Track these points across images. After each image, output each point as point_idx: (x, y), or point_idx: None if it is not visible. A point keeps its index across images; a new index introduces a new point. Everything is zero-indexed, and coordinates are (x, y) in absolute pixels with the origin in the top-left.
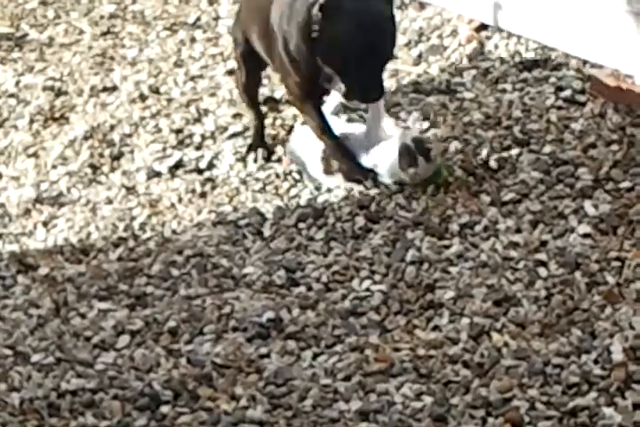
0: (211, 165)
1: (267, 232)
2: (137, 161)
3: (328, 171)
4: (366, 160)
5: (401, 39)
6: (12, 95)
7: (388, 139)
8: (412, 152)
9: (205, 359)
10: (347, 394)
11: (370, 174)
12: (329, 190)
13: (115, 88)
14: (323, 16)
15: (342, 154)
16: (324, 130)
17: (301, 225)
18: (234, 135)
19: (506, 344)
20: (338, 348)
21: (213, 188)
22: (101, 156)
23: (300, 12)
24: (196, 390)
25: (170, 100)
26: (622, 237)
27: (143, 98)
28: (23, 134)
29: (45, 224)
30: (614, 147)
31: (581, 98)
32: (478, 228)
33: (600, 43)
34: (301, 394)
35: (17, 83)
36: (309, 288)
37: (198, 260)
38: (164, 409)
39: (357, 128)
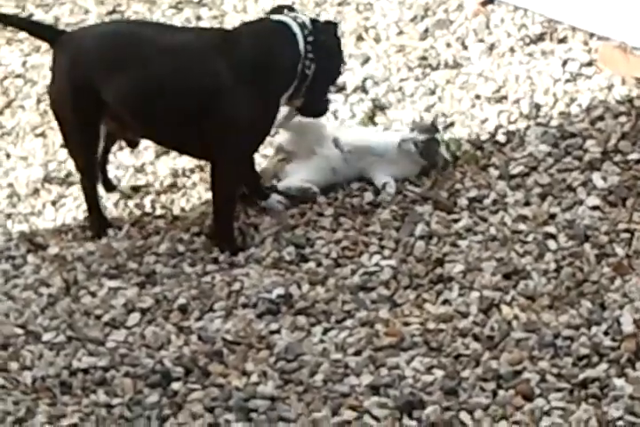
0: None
1: (276, 209)
2: (144, 140)
3: None
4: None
5: (407, 14)
6: (18, 75)
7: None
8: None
9: (216, 336)
10: (357, 369)
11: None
12: None
13: None
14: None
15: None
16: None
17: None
18: None
19: (516, 317)
20: (348, 323)
21: None
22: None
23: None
24: (206, 366)
25: None
26: (631, 208)
27: None
28: (31, 114)
29: (54, 204)
30: (622, 119)
31: (588, 71)
32: (487, 201)
33: (606, 15)
34: (312, 369)
35: (24, 63)
36: (319, 264)
37: (206, 236)
38: (176, 386)
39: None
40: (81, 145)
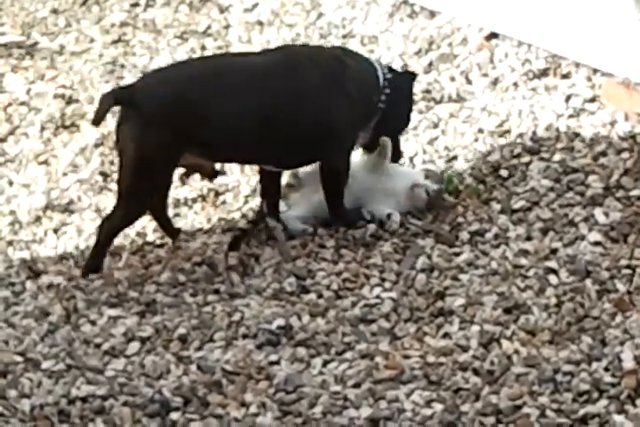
0: (221, 172)
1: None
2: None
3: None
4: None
5: (411, 47)
6: (23, 103)
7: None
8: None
9: (215, 366)
10: (357, 401)
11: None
12: None
13: None
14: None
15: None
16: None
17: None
18: None
19: (516, 352)
20: (348, 355)
21: (223, 195)
22: (112, 163)
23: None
24: (206, 396)
25: None
26: (633, 244)
27: None
28: (34, 142)
29: (56, 231)
30: (625, 155)
31: (591, 106)
32: (489, 235)
33: (610, 51)
34: (311, 401)
35: (28, 91)
36: (320, 295)
37: (208, 267)
38: (174, 416)
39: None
40: (156, 188)
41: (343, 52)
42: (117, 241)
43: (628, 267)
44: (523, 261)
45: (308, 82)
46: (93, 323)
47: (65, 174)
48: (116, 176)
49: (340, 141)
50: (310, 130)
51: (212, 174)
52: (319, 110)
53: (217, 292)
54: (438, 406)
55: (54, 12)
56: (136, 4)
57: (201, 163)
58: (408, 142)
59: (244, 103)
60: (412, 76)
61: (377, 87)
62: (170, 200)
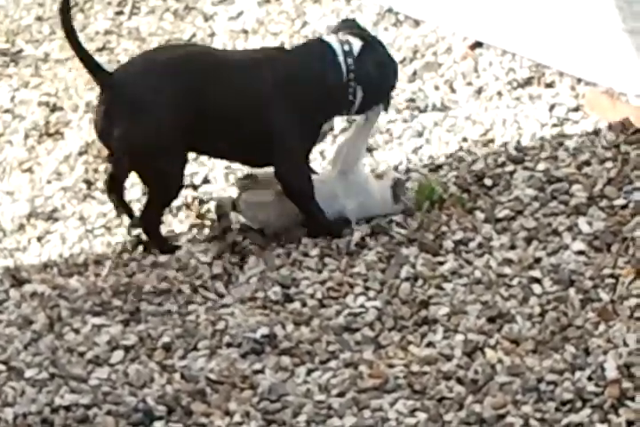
0: (205, 181)
1: (261, 248)
2: (132, 177)
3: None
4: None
5: (396, 56)
6: (7, 111)
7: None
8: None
9: (199, 375)
10: (341, 410)
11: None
12: None
13: None
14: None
15: (320, 210)
16: (310, 186)
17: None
18: None
19: (500, 361)
20: (332, 364)
21: (207, 203)
22: (96, 171)
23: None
24: (189, 405)
25: None
26: (616, 254)
27: None
28: (18, 149)
29: (39, 239)
30: (608, 164)
31: (575, 116)
32: (472, 244)
33: (594, 61)
34: (295, 410)
35: (12, 98)
36: (304, 304)
37: (192, 275)
38: (158, 425)
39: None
40: (178, 176)
41: (291, 50)
42: (100, 250)
43: (611, 276)
44: (506, 270)
45: (251, 86)
46: (77, 331)
47: (49, 182)
48: (100, 184)
49: (287, 149)
50: (251, 134)
51: None
52: (258, 116)
53: (200, 300)
54: (422, 416)
55: (39, 19)
56: (120, 13)
57: None
58: (392, 151)
59: (201, 96)
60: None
61: (339, 80)
62: None
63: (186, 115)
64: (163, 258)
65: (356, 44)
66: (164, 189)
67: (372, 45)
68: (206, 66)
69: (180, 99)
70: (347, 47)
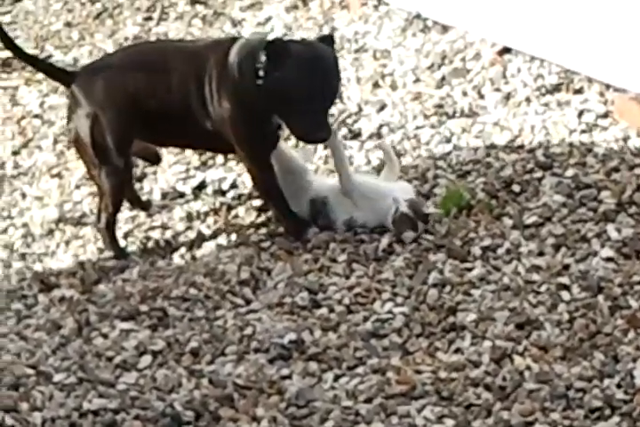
0: (233, 186)
1: (289, 253)
2: (160, 182)
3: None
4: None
5: (424, 62)
6: (36, 116)
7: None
8: (411, 218)
9: (227, 380)
10: (368, 416)
11: (308, 229)
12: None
13: None
14: (270, 61)
15: (284, 211)
16: (272, 183)
17: (324, 247)
18: None
19: (528, 368)
20: (359, 370)
21: (235, 209)
22: None
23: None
24: (217, 411)
25: None
26: None
27: None
28: (47, 155)
29: (68, 244)
30: (637, 171)
31: (604, 122)
32: (500, 251)
33: (623, 67)
34: (323, 416)
35: (41, 104)
36: (331, 310)
37: (220, 281)
38: None
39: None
40: (119, 173)
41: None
42: (131, 254)
43: None
44: (535, 276)
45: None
46: (105, 336)
47: (78, 187)
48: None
49: (236, 135)
50: (202, 121)
51: (155, 159)
52: (200, 107)
53: (229, 305)
54: (450, 422)
55: (68, 25)
56: (149, 18)
57: (144, 147)
58: (420, 158)
59: (161, 88)
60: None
61: (253, 70)
62: (182, 213)
63: (136, 111)
64: (192, 263)
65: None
66: (111, 185)
67: (297, 42)
68: (155, 61)
69: (129, 95)
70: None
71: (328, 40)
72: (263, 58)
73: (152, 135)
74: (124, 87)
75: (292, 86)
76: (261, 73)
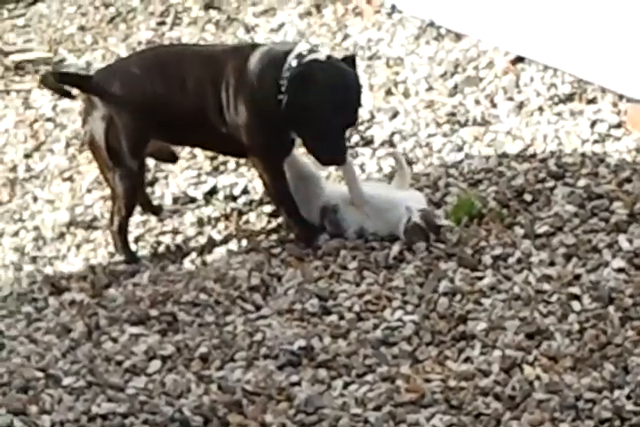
0: (245, 192)
1: (299, 260)
2: (171, 187)
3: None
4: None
5: (437, 70)
6: (49, 119)
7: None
8: (423, 229)
9: (236, 386)
10: (377, 424)
11: (319, 235)
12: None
13: None
14: (294, 86)
15: (295, 217)
16: (283, 190)
17: (335, 254)
18: None
19: (538, 378)
20: (369, 377)
21: (247, 214)
22: None
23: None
24: (226, 416)
25: None
26: None
27: None
28: (59, 158)
29: (79, 248)
30: None
31: (617, 132)
32: (511, 260)
33: (636, 77)
34: (332, 423)
35: (54, 107)
36: (341, 317)
37: (230, 286)
38: None
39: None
40: (133, 176)
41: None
42: (142, 259)
43: None
44: (545, 286)
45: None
46: (115, 340)
47: (89, 191)
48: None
49: (250, 141)
50: (217, 125)
51: (172, 158)
52: (217, 109)
53: (238, 311)
54: None
55: (81, 29)
56: (162, 23)
57: (160, 147)
58: (432, 166)
59: (177, 91)
60: (337, 60)
61: (275, 81)
62: (193, 219)
63: (151, 113)
64: (203, 269)
65: (311, 56)
66: (125, 188)
67: (325, 63)
68: (171, 65)
69: (144, 98)
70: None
71: (350, 61)
72: (287, 73)
73: (166, 137)
74: (140, 90)
75: (314, 111)
76: (284, 89)
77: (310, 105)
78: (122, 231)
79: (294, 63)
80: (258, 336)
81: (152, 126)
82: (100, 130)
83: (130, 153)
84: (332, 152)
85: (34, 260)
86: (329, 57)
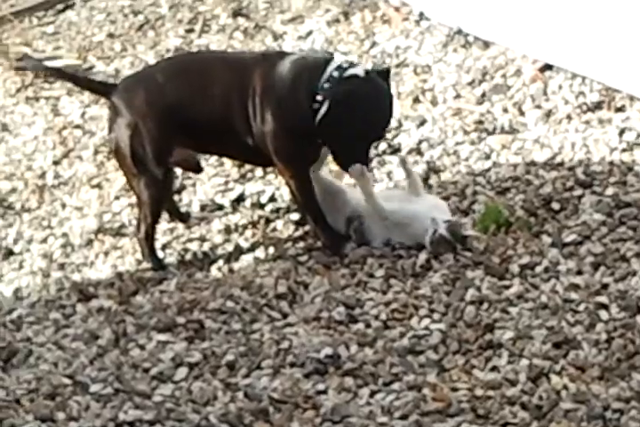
0: (272, 199)
1: (326, 267)
2: (199, 194)
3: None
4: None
5: (465, 78)
6: (77, 126)
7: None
8: (449, 241)
9: (262, 394)
10: None
11: (346, 243)
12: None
13: None
14: (337, 101)
15: (322, 225)
16: (310, 198)
17: (362, 262)
18: None
19: (565, 387)
20: (395, 386)
21: (274, 222)
22: None
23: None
24: (252, 424)
25: None
26: None
27: None
28: (88, 165)
29: (107, 255)
30: None
31: None
32: (539, 269)
33: None
34: None
35: (83, 114)
36: (368, 325)
37: (257, 294)
38: None
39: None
40: (158, 183)
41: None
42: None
43: None
44: (573, 295)
45: (234, 84)
46: (142, 347)
47: (117, 198)
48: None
49: (277, 149)
50: (242, 133)
51: (196, 168)
52: (244, 116)
53: (265, 319)
54: None
55: (110, 36)
56: (191, 30)
57: (185, 156)
58: (459, 174)
59: (202, 98)
60: (373, 75)
61: (310, 91)
62: (221, 226)
63: (177, 121)
64: (230, 276)
65: (351, 70)
66: (150, 195)
67: (365, 79)
68: (197, 72)
69: (169, 105)
70: (345, 64)
71: (385, 74)
72: (326, 84)
73: (191, 144)
74: (165, 97)
75: (350, 126)
76: (319, 99)
77: (349, 121)
78: (148, 238)
79: (335, 74)
80: (284, 344)
81: (176, 134)
82: (125, 137)
83: (155, 160)
84: (357, 162)
85: (62, 266)
86: (367, 72)
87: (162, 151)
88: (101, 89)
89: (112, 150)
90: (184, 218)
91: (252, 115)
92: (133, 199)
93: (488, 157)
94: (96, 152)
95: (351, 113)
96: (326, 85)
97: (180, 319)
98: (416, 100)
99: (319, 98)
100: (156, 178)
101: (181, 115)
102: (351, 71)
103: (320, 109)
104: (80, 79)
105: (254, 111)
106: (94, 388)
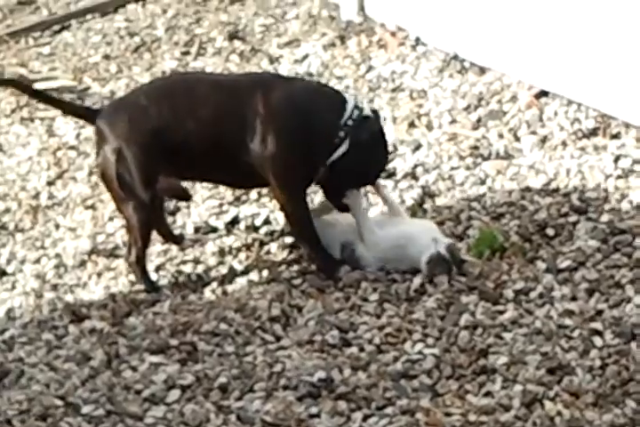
0: (266, 222)
1: (320, 291)
2: (193, 216)
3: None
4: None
5: (460, 103)
6: (72, 147)
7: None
8: (447, 261)
9: (255, 417)
10: None
11: (340, 267)
12: None
13: None
14: (362, 143)
15: (317, 248)
16: (306, 222)
17: (356, 285)
18: None
19: (559, 413)
20: (388, 410)
21: (268, 245)
22: None
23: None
24: None
25: None
26: None
27: None
28: (82, 186)
29: (100, 276)
30: None
31: None
32: (533, 294)
33: None
34: None
35: (77, 135)
36: (361, 349)
37: (250, 317)
38: None
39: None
40: (146, 208)
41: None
42: (162, 288)
43: None
44: (567, 321)
45: (234, 110)
46: (134, 369)
47: (111, 219)
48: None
49: (277, 172)
50: (236, 156)
51: (184, 196)
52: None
53: (258, 342)
54: None
55: (106, 57)
56: (187, 53)
57: (171, 185)
58: (454, 199)
59: (190, 120)
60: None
61: (334, 126)
62: (215, 248)
63: (162, 144)
64: (223, 298)
65: (368, 107)
66: (138, 219)
67: (377, 119)
68: (183, 94)
69: (153, 129)
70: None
71: (378, 114)
72: (350, 122)
73: (177, 168)
74: (149, 121)
75: (359, 167)
76: (342, 135)
77: (363, 161)
78: (140, 262)
79: (355, 114)
80: (277, 367)
81: (162, 157)
82: (111, 162)
83: (141, 185)
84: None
85: (55, 287)
86: (374, 111)
87: (147, 176)
88: (86, 114)
89: (99, 175)
90: (178, 240)
91: (249, 137)
92: None
93: (483, 182)
94: (90, 173)
95: (367, 154)
96: (350, 123)
97: (173, 341)
98: (412, 125)
99: (341, 134)
100: (144, 202)
101: (166, 138)
102: (365, 113)
103: (340, 145)
104: (64, 104)
105: (253, 134)
106: (86, 409)
